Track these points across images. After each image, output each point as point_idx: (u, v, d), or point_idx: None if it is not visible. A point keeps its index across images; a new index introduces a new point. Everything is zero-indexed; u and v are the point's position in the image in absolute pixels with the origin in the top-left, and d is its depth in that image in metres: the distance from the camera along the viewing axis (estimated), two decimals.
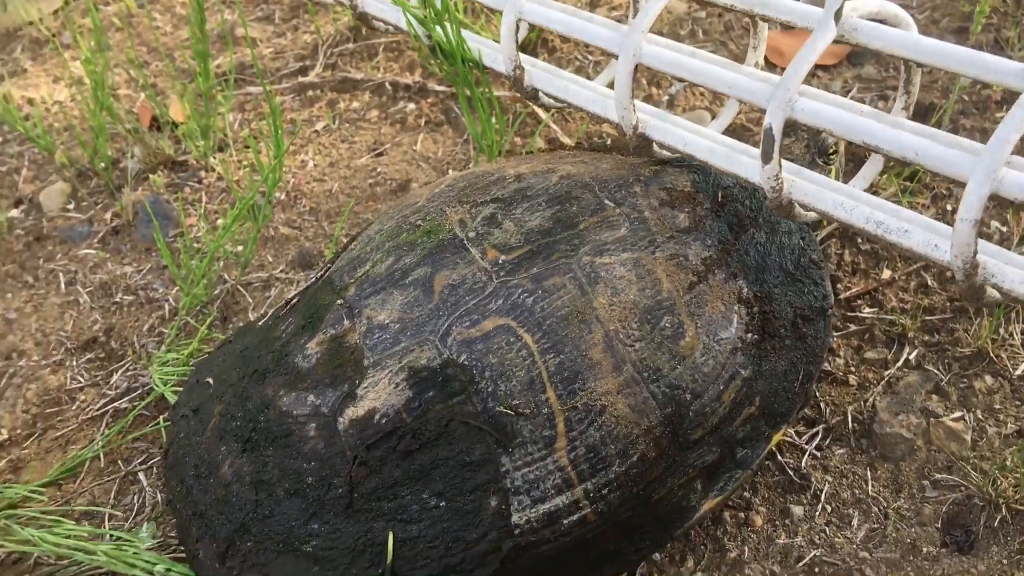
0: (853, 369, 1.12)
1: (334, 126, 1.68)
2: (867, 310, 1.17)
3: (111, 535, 1.07)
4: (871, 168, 0.95)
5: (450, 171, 1.51)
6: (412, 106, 1.67)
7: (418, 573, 0.88)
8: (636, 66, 0.93)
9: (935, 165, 0.73)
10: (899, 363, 1.11)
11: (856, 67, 1.51)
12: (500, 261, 0.91)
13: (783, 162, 0.86)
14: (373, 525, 0.88)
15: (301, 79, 1.80)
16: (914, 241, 0.77)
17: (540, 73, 1.06)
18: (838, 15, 0.78)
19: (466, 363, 0.87)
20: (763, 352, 0.94)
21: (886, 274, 1.19)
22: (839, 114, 0.78)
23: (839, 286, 1.19)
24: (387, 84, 1.73)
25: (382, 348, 0.90)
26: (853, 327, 1.16)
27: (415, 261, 0.94)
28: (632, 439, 0.88)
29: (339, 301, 0.95)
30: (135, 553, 1.00)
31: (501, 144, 1.31)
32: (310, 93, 1.77)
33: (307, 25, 1.95)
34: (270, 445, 0.92)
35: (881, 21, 0.83)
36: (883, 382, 1.09)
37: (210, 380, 1.05)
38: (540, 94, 1.06)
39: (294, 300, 1.03)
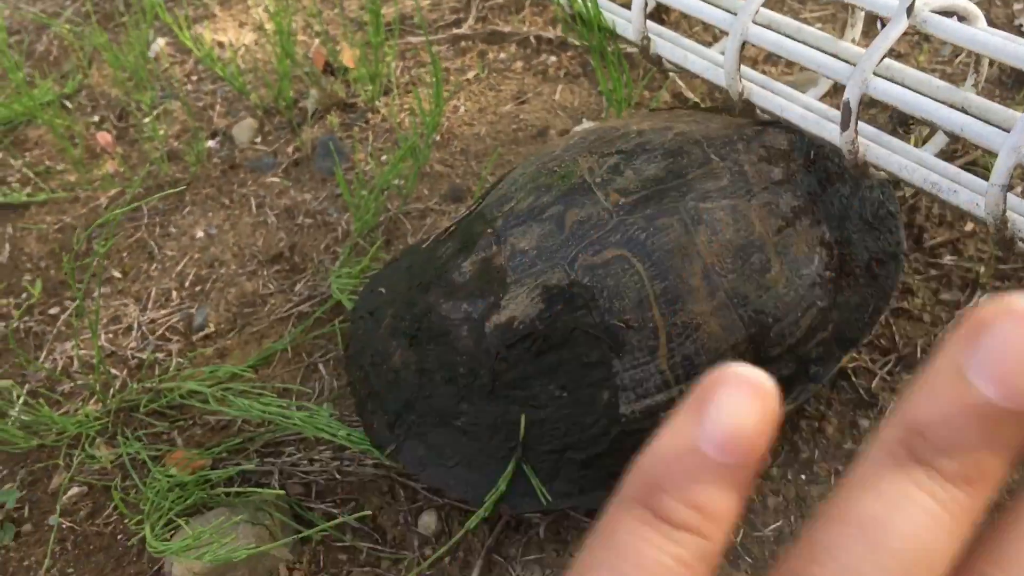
0: (928, 308, 1.28)
1: (483, 75, 1.90)
2: (948, 257, 1.32)
3: (300, 406, 1.35)
4: (941, 136, 1.11)
5: (584, 119, 1.71)
6: (553, 59, 1.87)
7: (543, 447, 1.11)
8: (743, 42, 1.10)
9: (975, 139, 0.89)
10: (970, 304, 1.26)
11: None
12: (620, 203, 1.12)
13: (862, 128, 1.03)
14: (509, 408, 1.12)
15: (455, 31, 2.02)
16: (960, 200, 0.93)
17: (664, 43, 1.24)
18: (910, 10, 0.94)
19: (588, 284, 1.09)
20: (839, 287, 1.12)
21: (969, 226, 1.34)
22: (903, 93, 0.95)
23: (925, 235, 1.35)
24: (531, 38, 1.93)
25: (522, 269, 1.13)
26: (933, 272, 1.32)
27: (551, 200, 1.15)
28: (721, 352, 1.08)
29: (489, 230, 1.18)
30: (325, 422, 1.27)
31: (630, 98, 1.51)
32: (463, 44, 1.99)
33: None
34: (431, 341, 1.16)
35: (953, 13, 0.98)
36: (953, 320, 1.25)
37: (382, 289, 1.31)
38: (664, 61, 1.25)
39: (451, 228, 1.26)
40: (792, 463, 1.18)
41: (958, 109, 1.02)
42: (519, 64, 1.90)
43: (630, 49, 1.77)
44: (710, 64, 1.19)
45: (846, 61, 1.10)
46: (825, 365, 1.12)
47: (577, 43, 1.86)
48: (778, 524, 1.13)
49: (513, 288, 1.12)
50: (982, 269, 1.28)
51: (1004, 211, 0.88)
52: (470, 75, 1.91)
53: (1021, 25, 1.43)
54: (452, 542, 1.17)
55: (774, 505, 1.15)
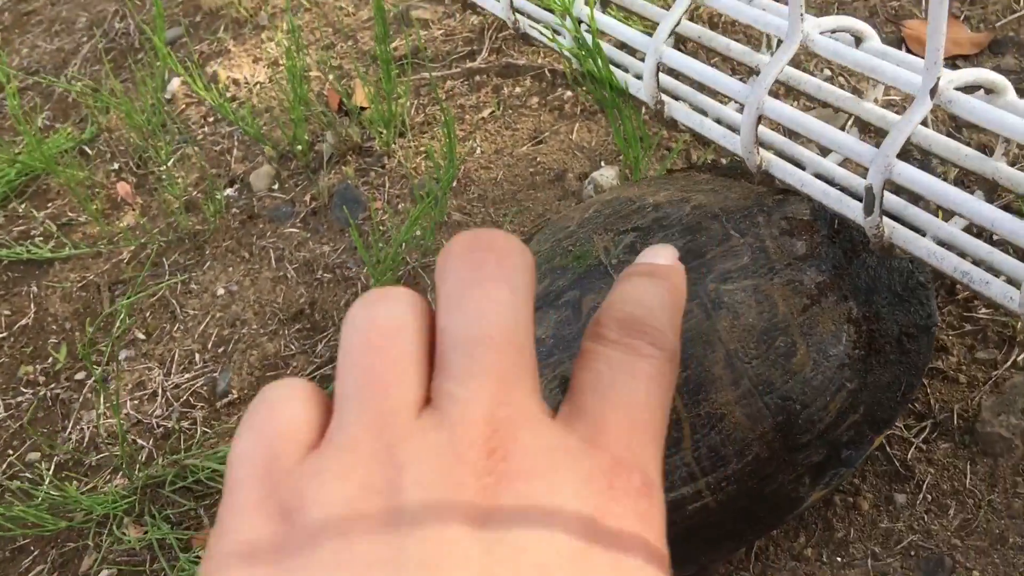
0: (964, 368, 1.23)
1: (499, 113, 1.86)
2: (983, 311, 1.27)
3: None
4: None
5: (602, 163, 1.67)
6: (569, 94, 1.83)
7: None
8: (760, 115, 1.06)
9: (1006, 235, 0.84)
10: (1007, 364, 1.22)
11: (997, 56, 1.56)
12: None
13: (888, 200, 0.98)
14: None
15: (469, 64, 1.98)
16: (993, 292, 0.89)
17: (679, 106, 1.20)
18: (933, 91, 0.89)
19: None
20: (868, 366, 1.08)
21: None
22: (928, 181, 0.90)
23: (958, 287, 1.30)
24: (547, 71, 1.88)
25: (539, 359, 1.09)
26: (968, 327, 1.27)
27: (566, 284, 1.12)
28: (747, 442, 1.04)
29: None
30: None
31: (647, 151, 1.46)
32: (477, 78, 1.95)
33: (474, 6, 2.11)
34: None
35: (981, 87, 0.93)
36: (990, 382, 1.21)
37: None
38: (679, 124, 1.21)
39: None
40: (827, 543, 1.15)
41: (988, 180, 0.97)
42: (535, 100, 1.86)
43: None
44: (726, 133, 1.14)
45: (867, 123, 1.05)
46: (857, 448, 1.08)
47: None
48: None
49: None
50: (1019, 324, 1.23)
51: None
52: (485, 113, 1.88)
53: None
54: None
55: None
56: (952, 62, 1.56)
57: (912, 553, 1.11)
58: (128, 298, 1.78)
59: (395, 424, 0.34)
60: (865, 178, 0.95)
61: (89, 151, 2.18)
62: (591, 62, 1.25)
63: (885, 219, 0.98)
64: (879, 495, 1.16)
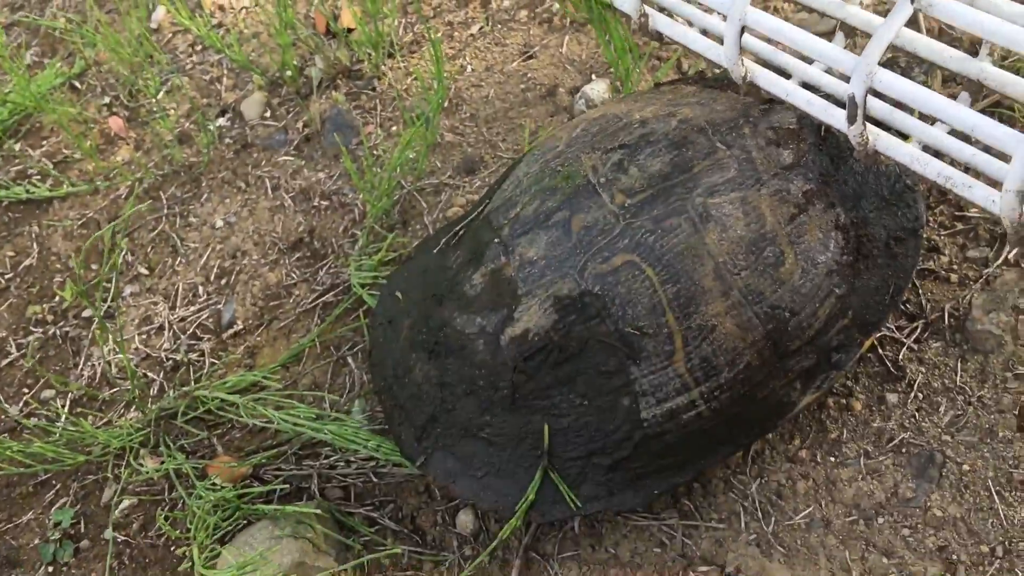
0: (955, 267, 1.24)
1: (488, 28, 1.84)
2: (974, 210, 1.28)
3: (332, 415, 1.37)
4: (963, 99, 1.04)
5: (593, 76, 1.66)
6: (557, 5, 1.80)
7: (569, 454, 1.12)
8: (743, 26, 1.05)
9: (986, 139, 0.84)
10: (998, 261, 1.23)
11: None
12: (626, 204, 1.09)
13: (872, 104, 0.98)
14: (532, 418, 1.12)
15: None
16: (975, 196, 0.89)
17: (663, 19, 1.19)
18: None
19: (600, 292, 1.08)
20: (856, 271, 1.09)
21: None
22: (910, 88, 0.90)
23: None
24: None
25: (532, 280, 1.11)
26: (960, 226, 1.28)
27: (556, 205, 1.13)
28: (738, 351, 1.06)
29: (496, 240, 1.16)
30: (354, 432, 1.29)
31: (635, 74, 1.45)
32: None
33: None
34: (450, 355, 1.17)
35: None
36: (981, 280, 1.22)
37: (399, 295, 1.30)
38: (664, 36, 1.20)
39: (460, 231, 1.25)
40: (820, 444, 1.18)
41: (974, 80, 0.96)
42: (523, 13, 1.83)
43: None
44: (711, 45, 1.13)
45: (854, 27, 1.04)
46: (847, 351, 1.10)
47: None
48: (809, 510, 1.14)
49: (525, 300, 1.11)
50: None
51: (1021, 214, 0.84)
52: (474, 29, 1.85)
53: None
54: (491, 547, 1.19)
55: (804, 490, 1.15)
56: None
57: (903, 450, 1.14)
58: (127, 234, 1.80)
59: None
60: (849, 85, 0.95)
61: (79, 86, 2.16)
62: None
63: (869, 126, 0.98)
64: (871, 396, 1.19)
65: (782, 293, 1.07)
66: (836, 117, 1.01)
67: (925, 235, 1.22)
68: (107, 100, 2.11)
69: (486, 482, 1.16)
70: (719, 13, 1.10)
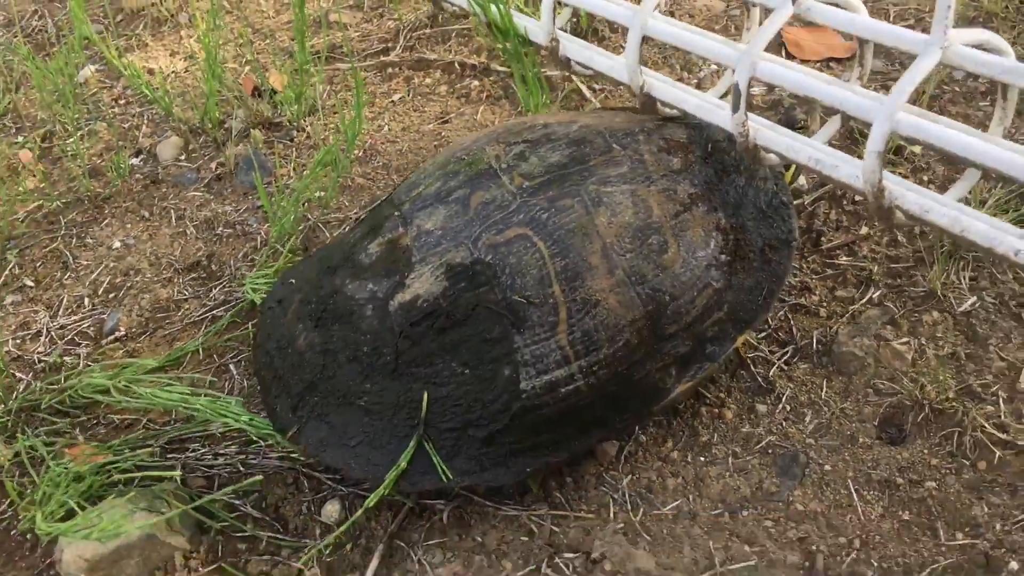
0: (825, 304, 1.32)
1: (408, 98, 1.94)
2: (843, 258, 1.37)
3: (205, 392, 1.33)
4: (831, 126, 1.16)
5: None
6: (476, 83, 1.92)
7: (445, 424, 1.12)
8: (643, 37, 1.15)
9: (853, 111, 0.94)
10: (863, 300, 1.31)
11: None
12: (524, 186, 1.15)
13: (754, 119, 1.08)
14: (412, 386, 1.13)
15: (383, 58, 2.06)
16: (841, 174, 0.98)
17: (571, 45, 1.29)
18: None
19: (491, 262, 1.11)
20: (734, 270, 1.16)
21: (863, 230, 1.40)
22: (789, 73, 1.00)
23: (823, 239, 1.40)
24: (456, 64, 1.98)
25: (427, 248, 1.14)
26: (830, 272, 1.37)
27: (457, 184, 1.18)
28: (619, 328, 1.10)
29: (396, 213, 1.20)
30: (226, 406, 1.26)
31: (544, 110, 1.55)
32: (390, 70, 2.03)
33: (391, 13, 2.21)
34: (336, 322, 1.17)
35: (836, 4, 1.04)
36: (848, 315, 1.30)
37: (292, 280, 1.31)
38: (572, 62, 1.30)
39: (363, 216, 1.28)
40: (691, 447, 1.20)
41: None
42: (443, 88, 1.94)
43: (549, 72, 1.83)
44: (613, 63, 1.24)
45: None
46: (721, 344, 1.15)
47: (500, 69, 1.92)
48: (677, 503, 1.14)
49: (418, 267, 1.14)
50: (875, 268, 1.33)
51: (880, 179, 0.93)
52: (396, 98, 1.95)
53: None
54: (349, 521, 1.16)
55: (673, 486, 1.16)
56: (828, 64, 1.70)
57: (770, 451, 1.17)
58: (19, 251, 1.77)
59: None
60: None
61: None
62: (492, 8, 1.34)
63: (751, 119, 1.07)
64: (742, 406, 1.23)
65: (663, 278, 1.12)
66: (721, 116, 1.10)
67: (796, 265, 1.31)
68: (20, 139, 2.11)
69: (358, 451, 1.14)
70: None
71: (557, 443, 1.12)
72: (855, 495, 1.11)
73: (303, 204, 1.70)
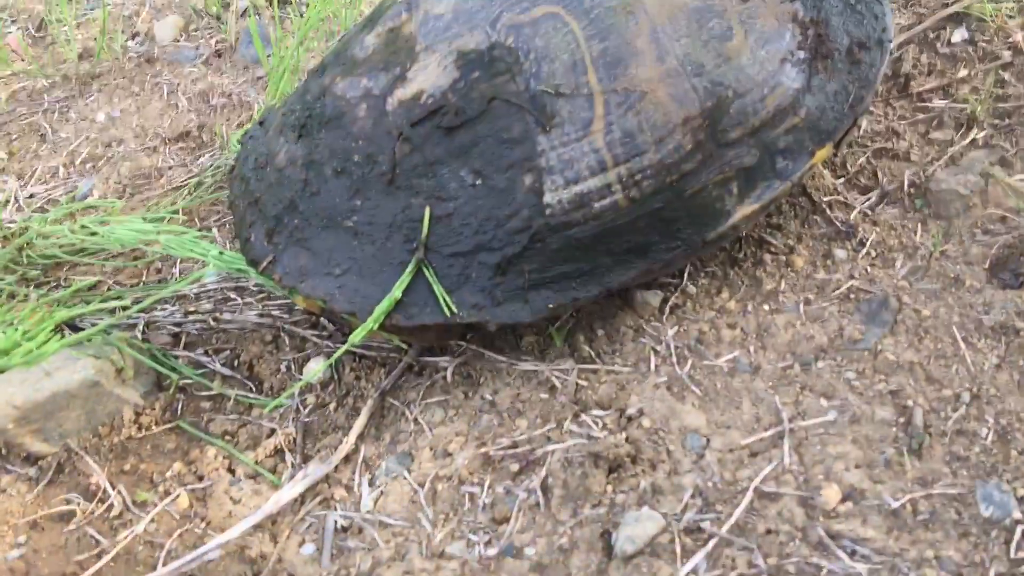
0: (916, 147, 1.10)
1: None
2: (937, 101, 1.15)
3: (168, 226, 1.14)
4: None
5: None
6: None
7: (450, 248, 0.90)
8: None
9: None
10: (965, 142, 1.08)
11: None
12: None
13: None
14: (412, 202, 0.91)
15: None
16: None
17: None
18: None
19: (512, 45, 0.90)
20: (814, 70, 0.94)
21: (961, 72, 1.17)
22: None
23: (912, 83, 1.17)
24: None
25: (435, 34, 0.93)
26: (921, 116, 1.14)
27: None
28: (669, 128, 0.88)
29: (400, 1, 0.99)
30: (193, 240, 1.06)
31: None
32: None
33: None
34: (322, 128, 0.96)
35: None
36: (945, 157, 1.07)
37: (277, 104, 1.11)
38: None
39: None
40: (753, 296, 0.98)
41: None
42: None
43: None
44: None
45: None
46: (795, 158, 0.92)
47: None
48: (734, 355, 0.92)
49: (423, 57, 0.93)
50: (979, 108, 1.10)
51: None
52: None
53: None
54: (327, 363, 0.95)
55: (730, 337, 0.94)
56: None
57: (851, 296, 0.94)
58: None
59: None
60: None
61: None
62: None
63: None
64: (816, 252, 1.00)
65: (726, 70, 0.90)
66: None
67: (881, 112, 1.09)
68: (13, 30, 1.94)
69: (344, 280, 0.93)
70: None
71: (587, 274, 0.91)
72: (962, 343, 0.88)
73: (299, 74, 1.50)
